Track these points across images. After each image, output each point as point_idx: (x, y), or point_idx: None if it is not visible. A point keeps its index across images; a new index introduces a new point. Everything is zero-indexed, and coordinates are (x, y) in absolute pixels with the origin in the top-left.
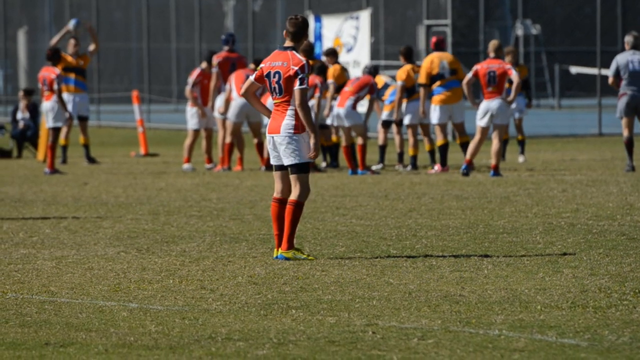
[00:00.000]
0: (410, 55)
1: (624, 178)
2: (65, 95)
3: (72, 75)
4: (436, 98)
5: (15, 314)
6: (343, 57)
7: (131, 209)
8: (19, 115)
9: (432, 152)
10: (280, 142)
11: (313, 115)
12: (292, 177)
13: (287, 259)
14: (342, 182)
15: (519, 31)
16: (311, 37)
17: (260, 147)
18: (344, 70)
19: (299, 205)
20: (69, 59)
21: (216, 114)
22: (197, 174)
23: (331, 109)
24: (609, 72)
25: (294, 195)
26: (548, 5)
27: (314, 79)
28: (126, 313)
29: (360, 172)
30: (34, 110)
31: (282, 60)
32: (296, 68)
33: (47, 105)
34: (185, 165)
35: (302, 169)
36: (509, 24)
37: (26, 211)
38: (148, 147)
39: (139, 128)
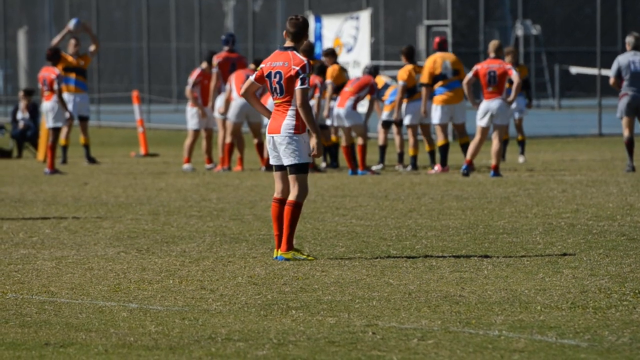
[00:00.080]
0: (412, 55)
1: (624, 178)
2: (66, 95)
3: (73, 75)
4: (438, 98)
5: (15, 314)
6: (343, 58)
7: (131, 209)
8: (19, 115)
9: (432, 153)
10: (280, 142)
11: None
12: (291, 178)
13: (287, 260)
14: (342, 182)
15: (519, 31)
16: (311, 38)
17: (260, 147)
18: (342, 71)
19: (297, 206)
20: (70, 59)
21: (216, 114)
22: (197, 174)
23: (330, 109)
24: (610, 73)
25: (292, 196)
26: (548, 6)
27: (314, 79)
28: (126, 313)
29: (360, 172)
30: (34, 111)
31: (282, 61)
32: (297, 68)
33: (47, 105)
34: (185, 166)
35: (301, 169)
36: (509, 24)
37: (26, 211)
38: (148, 147)
39: (139, 128)
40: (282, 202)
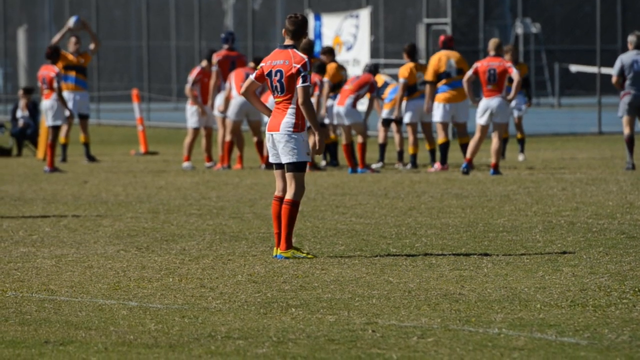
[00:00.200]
0: (414, 53)
1: (623, 177)
2: (66, 94)
3: (73, 74)
4: (440, 96)
5: (15, 312)
6: (343, 56)
7: (131, 207)
8: (19, 114)
9: (432, 151)
10: (279, 140)
11: None
12: (288, 176)
13: (287, 258)
14: (342, 180)
15: (519, 30)
16: (311, 36)
17: (259, 145)
18: (339, 69)
19: (294, 205)
20: (70, 57)
21: (216, 113)
22: (197, 173)
23: (327, 107)
24: (612, 71)
25: (289, 194)
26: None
27: (314, 77)
28: (126, 311)
29: (360, 170)
30: (34, 109)
31: (283, 59)
32: (298, 66)
33: (47, 103)
34: (185, 164)
35: (299, 167)
36: (509, 22)
37: (26, 209)
38: (148, 145)
39: (138, 126)
40: (282, 200)
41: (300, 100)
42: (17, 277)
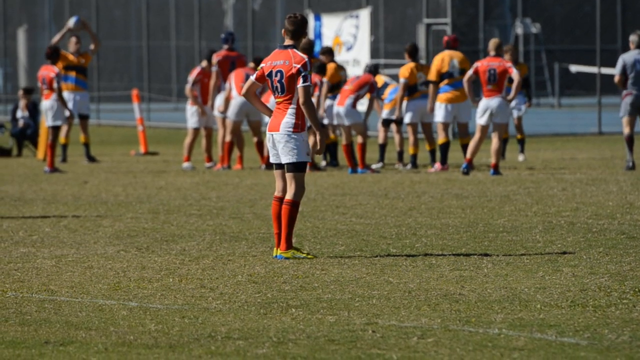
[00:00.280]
0: (415, 53)
1: (623, 177)
2: (66, 94)
3: (73, 74)
4: (443, 96)
5: (15, 312)
6: (343, 56)
7: (131, 207)
8: (19, 114)
9: (432, 152)
10: (279, 140)
11: None
12: (288, 176)
13: (287, 258)
14: (342, 180)
15: (519, 30)
16: (311, 36)
17: (260, 145)
18: (338, 69)
19: (294, 205)
20: (70, 57)
21: (216, 113)
22: (197, 173)
23: (327, 108)
24: (615, 71)
25: (289, 194)
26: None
27: (314, 77)
28: (126, 312)
29: (360, 170)
30: (34, 109)
31: (283, 59)
32: (298, 66)
33: (47, 103)
34: (185, 164)
35: (299, 167)
36: (509, 22)
37: (26, 210)
38: (148, 145)
39: (138, 127)
40: (282, 200)
41: (301, 100)
42: (17, 278)
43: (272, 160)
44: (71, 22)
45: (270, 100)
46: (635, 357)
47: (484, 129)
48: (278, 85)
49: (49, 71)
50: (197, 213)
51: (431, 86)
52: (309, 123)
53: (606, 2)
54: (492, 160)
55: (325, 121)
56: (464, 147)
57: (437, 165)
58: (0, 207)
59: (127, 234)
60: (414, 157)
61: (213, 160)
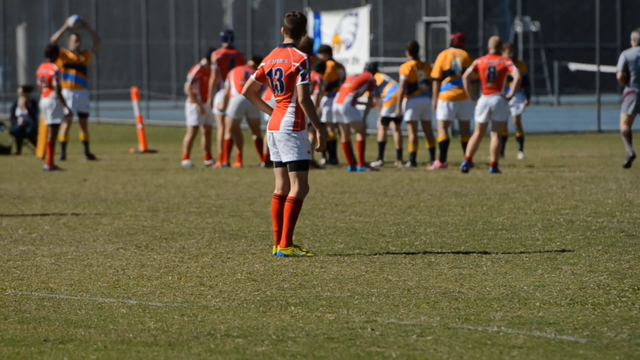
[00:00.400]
0: (416, 51)
1: (622, 175)
2: (65, 92)
3: (73, 72)
4: (444, 94)
5: (15, 310)
6: (342, 54)
7: (130, 205)
8: (18, 112)
9: (432, 150)
10: (279, 139)
11: None
12: (291, 175)
13: (286, 256)
14: (341, 178)
15: (518, 28)
16: (310, 34)
17: (259, 143)
18: (337, 67)
19: (297, 203)
20: (70, 55)
21: (215, 111)
22: (196, 171)
23: (323, 106)
24: (617, 67)
25: (292, 192)
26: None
27: (314, 75)
28: (125, 310)
29: (359, 168)
30: (33, 107)
31: (282, 58)
32: (297, 64)
33: (46, 102)
34: (184, 162)
35: (301, 166)
36: (508, 20)
37: (25, 208)
38: (147, 143)
39: (138, 125)
40: (282, 198)
41: (300, 99)
42: (16, 275)
43: (272, 158)
44: (70, 21)
45: (272, 98)
46: (634, 354)
47: (483, 126)
48: (277, 83)
49: (48, 69)
50: (196, 211)
51: (434, 83)
52: (309, 121)
53: (605, 0)
54: (491, 159)
55: (322, 119)
56: (465, 145)
57: (436, 162)
58: (0, 205)
59: (126, 232)
60: (413, 155)
61: (212, 158)
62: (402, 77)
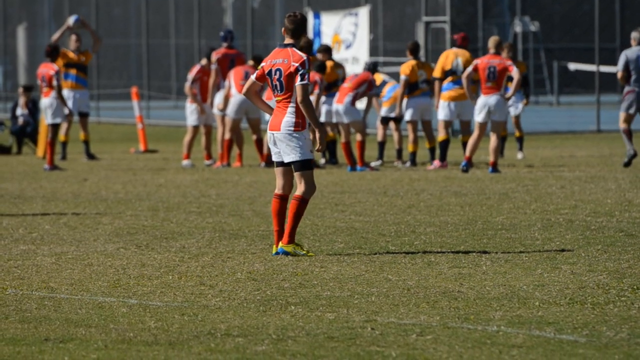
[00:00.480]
0: (417, 51)
1: (622, 174)
2: (66, 92)
3: (74, 72)
4: (446, 94)
5: (15, 309)
6: (342, 54)
7: (130, 205)
8: (19, 112)
9: (432, 149)
10: (281, 140)
11: None
12: (297, 175)
13: (287, 252)
14: (341, 178)
15: (518, 28)
16: (310, 34)
17: (259, 143)
18: (336, 67)
19: (303, 201)
20: (71, 54)
21: (215, 111)
22: (197, 170)
23: (321, 106)
24: (617, 67)
25: (299, 191)
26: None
27: (314, 75)
28: (125, 309)
29: (359, 168)
30: (33, 107)
31: (282, 58)
32: (297, 64)
33: (46, 101)
34: (185, 162)
35: (306, 165)
36: (508, 20)
37: (26, 207)
38: (147, 143)
39: (138, 124)
40: (282, 198)
41: (299, 99)
42: (17, 275)
43: (274, 158)
44: (71, 20)
45: (273, 98)
46: (633, 354)
47: (482, 126)
48: (277, 83)
49: (48, 69)
50: (196, 210)
51: (436, 83)
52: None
53: (605, 0)
54: (491, 158)
55: (322, 119)
56: (465, 145)
57: (436, 162)
58: (0, 205)
59: (126, 232)
60: (413, 154)
61: (212, 157)
62: (402, 77)
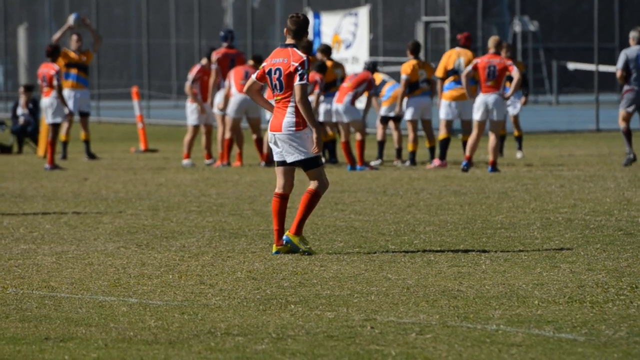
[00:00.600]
0: (418, 51)
1: (621, 173)
2: (67, 91)
3: (74, 71)
4: (447, 94)
5: (16, 309)
6: (342, 54)
7: (131, 204)
8: (19, 111)
9: (432, 149)
10: (283, 140)
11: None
12: (308, 174)
13: (291, 242)
14: (341, 177)
15: (517, 27)
16: (310, 34)
17: (259, 142)
18: (335, 67)
19: (316, 195)
20: (72, 54)
21: (215, 110)
22: (197, 170)
23: (319, 105)
24: (617, 66)
25: (313, 186)
26: (546, 2)
27: (314, 75)
28: (126, 308)
29: (358, 167)
30: (34, 106)
31: (282, 57)
32: (296, 64)
33: (46, 101)
34: (185, 161)
35: (313, 163)
36: (507, 20)
37: (26, 207)
38: (148, 142)
39: (138, 124)
40: (282, 197)
41: (297, 98)
42: (17, 274)
43: (275, 158)
44: (71, 19)
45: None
46: (632, 352)
47: (481, 124)
48: (277, 83)
49: (49, 69)
50: (196, 210)
51: (438, 82)
52: None
53: (604, 0)
54: (490, 158)
55: (321, 118)
56: (466, 144)
57: (436, 161)
58: (1, 204)
59: (127, 231)
60: (413, 154)
61: (213, 157)
62: (403, 76)
